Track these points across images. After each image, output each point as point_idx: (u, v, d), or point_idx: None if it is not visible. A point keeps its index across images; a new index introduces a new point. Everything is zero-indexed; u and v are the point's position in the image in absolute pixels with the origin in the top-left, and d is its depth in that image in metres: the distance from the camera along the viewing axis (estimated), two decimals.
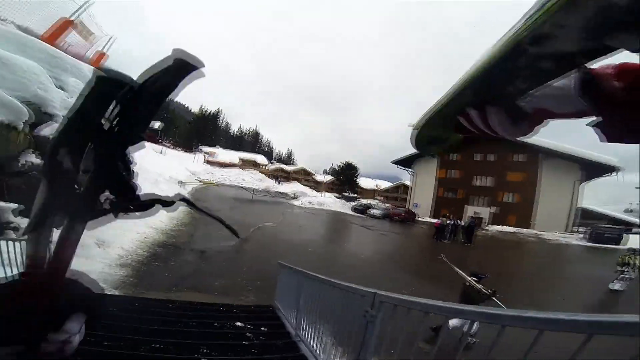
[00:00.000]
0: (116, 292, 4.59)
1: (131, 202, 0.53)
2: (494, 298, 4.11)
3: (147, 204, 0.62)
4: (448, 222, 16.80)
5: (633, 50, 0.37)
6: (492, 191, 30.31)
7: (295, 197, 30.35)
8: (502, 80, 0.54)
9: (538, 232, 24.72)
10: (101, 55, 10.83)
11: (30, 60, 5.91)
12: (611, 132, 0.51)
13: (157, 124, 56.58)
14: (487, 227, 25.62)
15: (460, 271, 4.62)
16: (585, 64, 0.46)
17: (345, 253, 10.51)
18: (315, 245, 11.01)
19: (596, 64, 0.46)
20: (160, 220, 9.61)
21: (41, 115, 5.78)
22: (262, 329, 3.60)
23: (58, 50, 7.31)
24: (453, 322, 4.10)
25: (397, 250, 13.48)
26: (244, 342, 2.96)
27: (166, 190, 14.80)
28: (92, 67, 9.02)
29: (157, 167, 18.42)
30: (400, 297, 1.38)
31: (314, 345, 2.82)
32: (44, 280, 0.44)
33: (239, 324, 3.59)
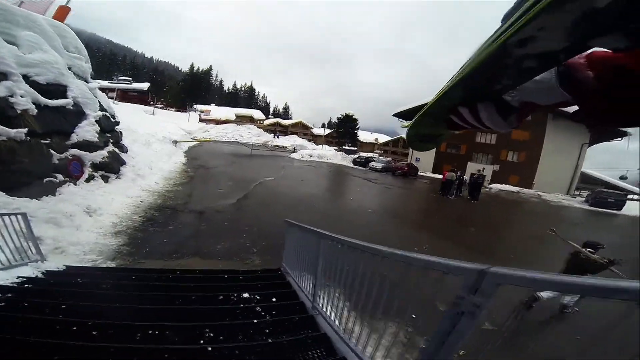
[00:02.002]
0: (113, 264, 4.24)
1: None
2: (612, 268, 3.80)
3: None
4: (455, 177, 16.33)
5: (615, 50, 0.37)
6: (496, 149, 29.79)
7: (294, 151, 29.70)
8: (490, 79, 0.55)
9: (540, 193, 24.76)
10: (65, 9, 9.23)
11: None
12: (590, 119, 0.57)
13: (145, 85, 53.77)
14: (489, 185, 25.46)
15: (573, 243, 4.27)
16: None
17: (352, 208, 10.20)
18: (319, 199, 10.68)
19: None
20: (155, 182, 9.14)
21: None
22: (273, 299, 3.27)
23: (3, 1, 6.05)
24: (546, 293, 3.81)
25: (405, 205, 13.26)
26: (254, 320, 2.60)
27: (160, 149, 14.16)
28: (52, 20, 7.71)
29: (148, 128, 17.44)
30: (527, 275, 0.80)
31: (337, 322, 2.46)
32: None
33: (246, 295, 3.24)
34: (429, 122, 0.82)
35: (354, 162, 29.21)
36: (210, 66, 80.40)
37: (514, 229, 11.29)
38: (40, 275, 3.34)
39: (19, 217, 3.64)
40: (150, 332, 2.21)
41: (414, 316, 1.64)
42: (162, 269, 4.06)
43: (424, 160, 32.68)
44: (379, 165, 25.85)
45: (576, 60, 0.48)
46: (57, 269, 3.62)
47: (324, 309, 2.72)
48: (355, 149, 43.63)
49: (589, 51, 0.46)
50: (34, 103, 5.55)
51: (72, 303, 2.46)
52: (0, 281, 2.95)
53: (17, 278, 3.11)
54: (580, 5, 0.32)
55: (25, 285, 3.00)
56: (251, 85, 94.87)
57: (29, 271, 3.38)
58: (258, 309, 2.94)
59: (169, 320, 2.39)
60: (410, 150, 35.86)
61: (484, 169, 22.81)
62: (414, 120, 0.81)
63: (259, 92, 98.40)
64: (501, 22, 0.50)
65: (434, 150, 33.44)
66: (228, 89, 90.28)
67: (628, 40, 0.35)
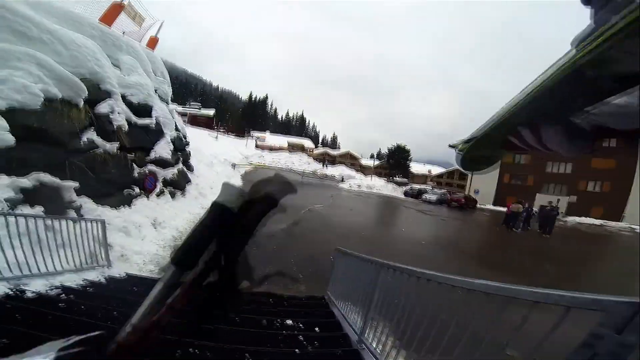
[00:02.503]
0: None
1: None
2: None
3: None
4: (522, 208, 14.56)
5: None
6: (572, 179, 26.90)
7: (342, 180, 29.73)
8: (559, 101, 0.52)
9: (634, 226, 20.92)
10: (154, 39, 11.03)
11: (85, 37, 5.95)
12: None
13: (211, 112, 60.40)
14: (564, 218, 22.25)
15: None
16: None
17: (403, 239, 9.58)
18: (368, 229, 10.29)
19: None
20: None
21: (98, 91, 5.84)
22: (316, 329, 3.05)
23: (111, 29, 7.40)
24: None
25: (462, 238, 12.06)
26: (296, 350, 2.41)
27: (220, 171, 15.29)
28: (146, 47, 9.17)
29: (211, 150, 19.17)
30: None
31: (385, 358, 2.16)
32: None
33: (289, 322, 3.08)
34: (486, 144, 0.79)
35: (405, 193, 28.09)
36: (267, 95, 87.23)
37: (598, 264, 9.43)
38: (103, 281, 3.61)
39: (99, 223, 4.07)
40: (191, 350, 2.16)
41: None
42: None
43: (484, 192, 30.14)
44: (433, 197, 24.41)
45: None
46: (119, 276, 3.90)
47: (373, 344, 2.43)
48: (407, 180, 42.11)
49: None
50: (126, 120, 6.44)
51: (123, 311, 2.56)
52: (69, 282, 3.24)
53: (83, 281, 3.39)
54: None
55: (89, 288, 3.24)
56: (302, 114, 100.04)
57: (94, 275, 3.69)
58: (300, 337, 2.74)
59: (210, 339, 2.33)
60: (468, 181, 33.44)
61: (559, 200, 20.00)
62: (469, 141, 0.79)
63: (309, 121, 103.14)
64: (571, 45, 0.47)
65: (495, 181, 30.86)
66: (281, 117, 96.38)
67: None
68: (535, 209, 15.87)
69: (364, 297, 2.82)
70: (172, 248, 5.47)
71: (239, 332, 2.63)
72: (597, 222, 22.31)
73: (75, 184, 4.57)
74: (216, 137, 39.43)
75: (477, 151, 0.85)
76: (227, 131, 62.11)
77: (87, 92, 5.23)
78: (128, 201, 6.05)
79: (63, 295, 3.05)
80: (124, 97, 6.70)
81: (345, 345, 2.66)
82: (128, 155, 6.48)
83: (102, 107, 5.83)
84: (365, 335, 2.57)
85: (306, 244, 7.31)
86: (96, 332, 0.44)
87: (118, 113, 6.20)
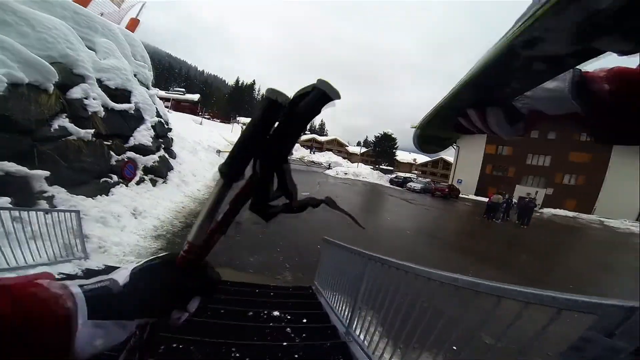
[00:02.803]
0: None
1: (289, 207, 0.51)
2: None
3: (301, 207, 0.52)
4: (503, 199, 15.04)
5: (619, 53, 0.36)
6: (549, 171, 27.75)
7: (329, 167, 29.72)
8: (499, 82, 0.53)
9: (602, 219, 22.51)
10: (135, 21, 10.36)
11: (55, 18, 5.49)
12: (599, 133, 0.53)
13: (196, 97, 58.36)
14: (540, 210, 23.27)
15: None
16: (578, 67, 0.45)
17: (389, 228, 9.71)
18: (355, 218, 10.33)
19: (592, 67, 0.45)
20: (197, 189, 9.50)
21: (71, 76, 5.46)
22: (304, 320, 3.03)
23: (86, 9, 6.85)
24: None
25: (446, 228, 12.37)
26: (283, 343, 2.38)
27: (204, 157, 14.87)
28: (125, 29, 8.59)
29: (195, 136, 18.58)
30: None
31: (373, 351, 2.17)
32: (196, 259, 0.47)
33: (276, 313, 3.05)
34: (438, 124, 0.78)
35: (391, 181, 28.42)
36: (254, 80, 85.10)
37: (573, 257, 9.98)
38: (79, 273, 3.44)
39: (73, 214, 3.85)
40: (175, 345, 2.09)
41: (454, 348, 1.52)
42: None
43: (467, 182, 30.94)
44: (418, 186, 24.85)
45: (596, 72, 0.47)
46: (96, 268, 3.74)
47: (361, 337, 2.44)
48: (392, 168, 42.56)
49: (614, 66, 0.45)
50: (102, 106, 6.06)
51: None
52: None
53: (58, 274, 3.22)
54: (585, 5, 0.31)
55: None
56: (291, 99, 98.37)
57: (70, 268, 3.52)
58: (288, 329, 2.72)
59: (195, 334, 2.26)
60: (452, 171, 34.16)
61: (537, 192, 20.80)
62: (422, 120, 0.78)
63: None
64: (515, 24, 0.47)
65: (478, 172, 31.65)
66: None
67: (632, 44, 0.34)
68: (515, 200, 16.41)
69: (351, 289, 2.81)
70: (153, 238, 5.31)
71: (224, 325, 2.57)
72: (571, 214, 23.41)
73: (46, 173, 4.30)
74: (200, 123, 38.23)
75: (430, 131, 0.83)
76: (213, 117, 60.49)
77: (57, 77, 4.86)
78: (106, 190, 5.77)
79: None
80: (100, 82, 6.29)
81: (333, 337, 2.66)
82: (105, 142, 6.15)
83: (75, 92, 5.45)
84: (353, 327, 2.57)
85: (292, 232, 7.27)
86: (163, 254, 0.47)
87: (93, 98, 5.81)
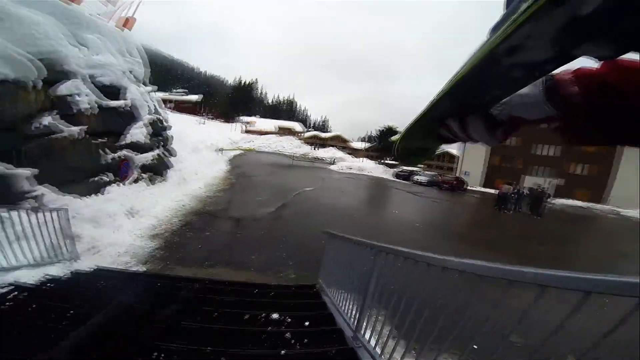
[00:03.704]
0: (143, 268, 4.08)
1: None
2: None
3: None
4: (513, 190, 14.61)
5: (598, 59, 0.38)
6: (559, 161, 27.13)
7: (333, 163, 29.42)
8: (478, 89, 0.54)
9: (616, 209, 21.88)
10: (131, 19, 10.12)
11: (42, 14, 5.26)
12: (571, 135, 0.55)
13: (198, 97, 58.36)
14: (552, 201, 22.77)
15: None
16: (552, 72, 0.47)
17: (397, 221, 9.39)
18: (360, 212, 10.05)
19: (558, 70, 0.47)
20: (198, 187, 9.30)
21: (61, 72, 5.25)
22: (306, 324, 2.76)
23: (76, 6, 6.61)
24: None
25: (457, 220, 12.00)
26: (281, 352, 2.10)
27: (206, 156, 14.72)
28: (118, 27, 8.36)
29: (197, 136, 18.43)
30: None
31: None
32: None
33: (275, 316, 2.78)
34: (420, 135, 0.76)
35: (397, 175, 27.97)
36: (256, 79, 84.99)
37: (594, 246, 9.60)
38: (68, 275, 3.22)
39: (60, 212, 3.63)
40: (155, 354, 1.83)
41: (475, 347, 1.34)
42: (190, 278, 3.78)
43: (473, 174, 30.40)
44: (424, 179, 24.40)
45: (563, 75, 0.48)
46: (87, 269, 3.51)
47: (371, 342, 2.15)
48: (397, 162, 42.02)
49: (577, 67, 0.46)
50: (95, 102, 5.84)
51: (82, 311, 2.20)
52: (25, 279, 2.85)
53: (44, 276, 3.00)
54: (566, 13, 0.32)
55: (48, 285, 2.86)
56: (292, 98, 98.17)
57: (58, 270, 3.30)
58: (288, 335, 2.44)
59: (181, 341, 2.00)
60: (458, 163, 33.61)
61: (550, 182, 20.27)
62: (404, 131, 0.77)
63: (299, 104, 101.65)
64: (490, 32, 0.48)
65: (485, 163, 31.06)
66: (271, 101, 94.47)
67: (611, 48, 0.34)
68: (526, 190, 15.96)
69: (359, 286, 2.53)
70: (150, 238, 5.08)
71: (216, 331, 2.31)
72: (584, 204, 22.84)
73: (31, 172, 4.08)
74: (203, 123, 38.23)
75: (411, 142, 0.83)
76: (215, 117, 60.49)
77: (45, 73, 4.65)
78: (99, 189, 5.57)
79: (15, 293, 2.67)
80: (92, 78, 6.07)
81: (339, 342, 2.37)
82: (99, 140, 5.93)
83: (64, 89, 5.23)
84: (362, 331, 2.28)
85: (296, 228, 7.01)
86: None
87: (85, 95, 5.59)
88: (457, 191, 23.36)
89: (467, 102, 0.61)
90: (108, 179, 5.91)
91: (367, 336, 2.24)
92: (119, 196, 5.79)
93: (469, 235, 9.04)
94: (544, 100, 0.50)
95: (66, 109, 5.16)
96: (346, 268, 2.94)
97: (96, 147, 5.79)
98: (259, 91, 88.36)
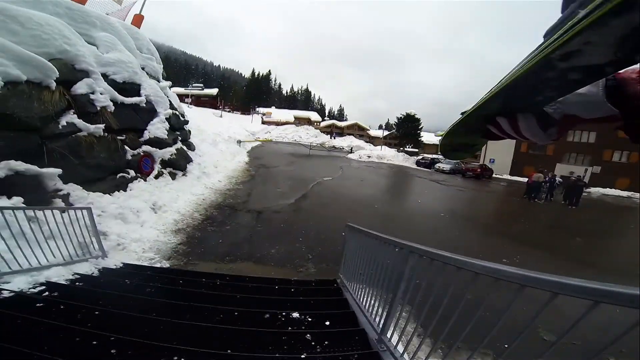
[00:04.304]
0: (167, 264, 4.16)
1: None
2: None
3: None
4: (544, 178, 13.79)
5: None
6: (596, 148, 25.64)
7: (351, 151, 29.03)
8: (532, 91, 0.53)
9: None
10: (139, 17, 10.18)
11: (47, 14, 5.29)
12: (635, 133, 0.51)
13: (214, 91, 59.16)
14: (588, 189, 21.42)
15: None
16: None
17: (420, 211, 9.12)
18: (381, 201, 9.82)
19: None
20: (218, 180, 9.41)
21: (74, 72, 5.34)
22: (327, 323, 2.68)
23: (79, 5, 6.64)
24: None
25: (484, 209, 11.50)
26: (301, 356, 2.03)
27: (225, 148, 14.88)
28: (126, 23, 8.41)
29: (215, 129, 18.67)
30: None
31: None
32: None
33: (295, 315, 2.71)
34: (465, 132, 0.79)
35: (418, 163, 27.25)
36: (269, 71, 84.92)
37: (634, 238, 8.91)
38: (96, 273, 3.31)
39: (84, 211, 3.72)
40: (175, 358, 1.80)
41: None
42: (211, 274, 3.80)
43: (500, 162, 29.02)
44: (447, 167, 23.56)
45: (628, 73, 0.46)
46: (114, 267, 3.60)
47: (399, 348, 2.03)
48: (417, 150, 40.80)
49: None
50: (111, 100, 5.94)
51: (108, 310, 2.22)
52: (56, 277, 2.94)
53: (73, 275, 3.09)
54: (627, 22, 0.31)
55: (77, 284, 2.94)
56: (307, 88, 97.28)
57: (87, 267, 3.39)
58: (308, 336, 2.37)
59: (200, 343, 1.96)
60: (483, 150, 32.16)
61: (586, 170, 19.03)
62: (449, 128, 0.79)
63: (314, 94, 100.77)
64: (543, 37, 0.48)
65: (512, 150, 29.59)
66: (286, 92, 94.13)
67: None
68: (558, 179, 15.02)
69: (385, 284, 2.39)
70: (173, 233, 5.17)
71: (235, 332, 2.26)
72: (624, 193, 21.60)
73: (58, 171, 4.20)
74: (220, 116, 38.76)
75: (456, 138, 0.83)
76: (232, 109, 61.21)
77: (57, 73, 4.71)
78: (123, 186, 5.71)
79: (47, 292, 2.76)
80: (106, 76, 6.14)
81: (362, 345, 2.27)
82: (118, 137, 6.05)
83: (80, 88, 5.32)
84: (388, 333, 2.16)
85: (315, 220, 6.94)
86: None
87: (100, 93, 5.67)
88: (482, 179, 22.44)
89: (520, 102, 0.59)
90: (130, 176, 6.04)
91: (393, 340, 2.11)
92: (141, 192, 5.92)
93: (497, 227, 8.62)
94: (604, 99, 0.47)
95: (85, 108, 5.26)
96: (370, 265, 2.80)
97: (116, 144, 5.92)
98: (274, 82, 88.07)
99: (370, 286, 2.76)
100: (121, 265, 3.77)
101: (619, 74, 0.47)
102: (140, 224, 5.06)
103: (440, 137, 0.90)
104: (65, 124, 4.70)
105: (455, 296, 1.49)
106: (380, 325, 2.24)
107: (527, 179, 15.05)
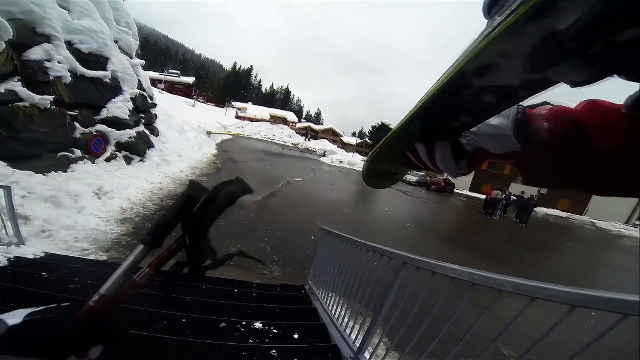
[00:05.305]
0: (103, 257, 3.51)
1: (214, 263, 0.81)
2: None
3: (220, 262, 0.82)
4: (502, 196, 14.61)
5: (572, 85, 0.33)
6: None
7: (324, 155, 28.94)
8: (449, 112, 0.49)
9: (593, 220, 23.33)
10: None
11: None
12: (527, 173, 0.51)
13: (190, 80, 56.32)
14: (535, 209, 23.60)
15: None
16: (522, 103, 0.44)
17: (388, 219, 9.06)
18: (351, 207, 9.66)
19: (532, 102, 0.44)
20: (180, 170, 8.64)
21: (33, 35, 4.57)
22: (295, 336, 2.31)
23: None
24: None
25: (446, 222, 11.84)
26: None
27: (192, 138, 13.93)
28: None
29: (186, 117, 17.51)
30: None
31: None
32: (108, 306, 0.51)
33: (258, 325, 2.31)
34: (387, 158, 0.68)
35: None
36: (251, 66, 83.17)
37: (578, 254, 9.68)
38: (4, 263, 2.63)
39: (2, 190, 3.01)
40: None
41: None
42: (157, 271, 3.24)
43: (461, 178, 30.59)
44: (413, 178, 24.40)
45: (538, 109, 0.44)
46: (32, 256, 2.92)
47: None
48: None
49: (557, 105, 0.43)
50: (69, 71, 5.14)
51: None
52: None
53: None
54: (543, 27, 0.29)
55: None
56: (287, 88, 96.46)
57: None
58: (274, 352, 1.99)
59: (134, 358, 1.50)
60: None
61: (539, 190, 20.68)
62: (374, 151, 0.68)
63: (294, 95, 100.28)
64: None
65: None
66: (265, 89, 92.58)
67: (587, 71, 0.31)
68: (513, 197, 16.05)
69: (365, 299, 2.08)
70: (118, 222, 4.48)
71: (182, 345, 1.82)
72: (563, 214, 23.96)
73: None
74: (193, 105, 36.81)
75: (381, 164, 0.71)
76: (207, 100, 58.70)
77: (12, 34, 3.98)
78: (63, 166, 4.89)
79: None
80: (70, 44, 5.35)
81: None
82: (69, 112, 5.22)
83: (34, 53, 4.53)
84: (365, 353, 1.85)
85: (283, 220, 6.54)
86: (65, 303, 0.46)
87: (58, 62, 4.88)
88: (445, 193, 23.48)
89: (437, 127, 0.52)
90: (75, 156, 5.21)
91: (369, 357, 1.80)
92: (85, 174, 5.11)
93: (457, 237, 8.93)
94: (511, 133, 0.44)
95: (35, 76, 4.47)
96: (347, 274, 2.48)
97: (64, 119, 5.08)
98: (254, 78, 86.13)
99: (346, 298, 2.44)
100: (42, 255, 3.08)
101: (530, 110, 0.45)
102: (78, 209, 4.31)
103: (364, 161, 0.77)
104: (4, 90, 3.92)
105: (464, 322, 1.21)
106: (357, 344, 1.93)
107: (485, 195, 15.85)
